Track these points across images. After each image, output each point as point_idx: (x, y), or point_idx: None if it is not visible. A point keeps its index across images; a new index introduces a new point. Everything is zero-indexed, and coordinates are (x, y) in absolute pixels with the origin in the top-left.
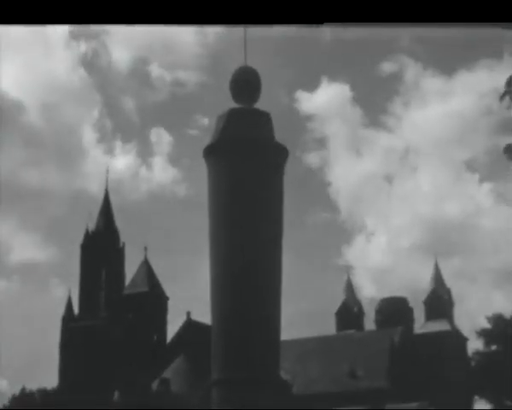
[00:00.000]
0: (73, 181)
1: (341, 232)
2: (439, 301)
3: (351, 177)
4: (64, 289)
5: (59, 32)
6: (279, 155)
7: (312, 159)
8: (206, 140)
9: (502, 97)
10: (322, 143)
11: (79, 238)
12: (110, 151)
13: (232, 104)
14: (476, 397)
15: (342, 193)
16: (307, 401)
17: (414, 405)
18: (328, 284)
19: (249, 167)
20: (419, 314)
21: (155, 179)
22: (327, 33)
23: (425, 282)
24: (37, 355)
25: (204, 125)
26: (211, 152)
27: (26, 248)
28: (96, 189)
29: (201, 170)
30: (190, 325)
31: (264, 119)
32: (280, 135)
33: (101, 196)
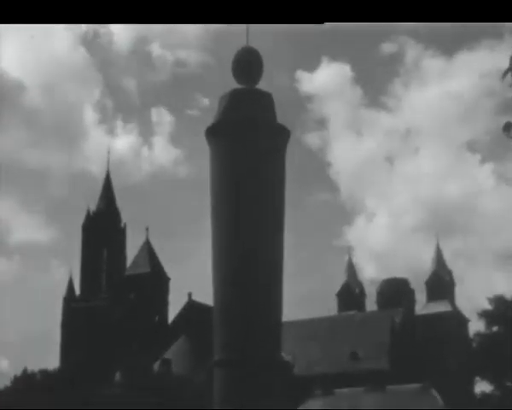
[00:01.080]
0: (74, 161)
1: (342, 213)
2: (441, 283)
3: (351, 157)
4: (65, 270)
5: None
6: (281, 135)
7: (312, 139)
8: (207, 121)
9: (504, 74)
10: (322, 123)
11: (80, 219)
12: (111, 131)
13: (234, 85)
14: (477, 378)
15: (343, 174)
16: (308, 382)
17: (415, 386)
18: (328, 265)
19: (252, 148)
20: (420, 295)
21: (156, 160)
22: None
23: (426, 263)
24: (38, 336)
25: (205, 106)
26: (213, 132)
27: (27, 229)
28: (97, 169)
29: (203, 150)
30: (192, 306)
31: (266, 99)
32: (280, 115)
33: (102, 177)
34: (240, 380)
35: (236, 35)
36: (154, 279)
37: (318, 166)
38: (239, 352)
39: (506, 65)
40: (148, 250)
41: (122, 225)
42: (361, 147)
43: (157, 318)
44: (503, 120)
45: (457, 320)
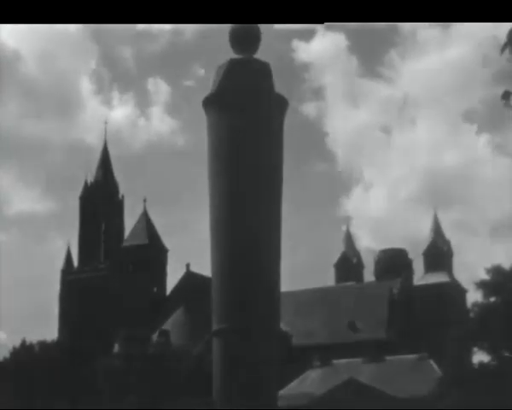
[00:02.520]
0: (71, 132)
1: (339, 183)
2: (439, 253)
3: (348, 128)
4: (63, 241)
5: None
6: (280, 105)
7: (309, 109)
8: (204, 91)
9: (503, 49)
10: (318, 93)
11: (78, 190)
12: (108, 102)
13: (231, 55)
14: (475, 349)
15: (340, 144)
16: (306, 353)
17: (412, 356)
18: (326, 236)
19: (250, 118)
20: (418, 266)
21: (154, 130)
22: None
23: (424, 233)
24: (36, 308)
25: (201, 76)
26: (210, 102)
27: (25, 200)
28: (94, 140)
29: (200, 121)
30: (190, 277)
31: (264, 69)
32: (277, 85)
33: (99, 148)
34: (238, 350)
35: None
36: (152, 250)
37: (315, 136)
38: (237, 322)
39: (503, 33)
40: (145, 221)
41: (120, 196)
42: (358, 117)
43: (155, 289)
44: (500, 89)
45: (455, 291)
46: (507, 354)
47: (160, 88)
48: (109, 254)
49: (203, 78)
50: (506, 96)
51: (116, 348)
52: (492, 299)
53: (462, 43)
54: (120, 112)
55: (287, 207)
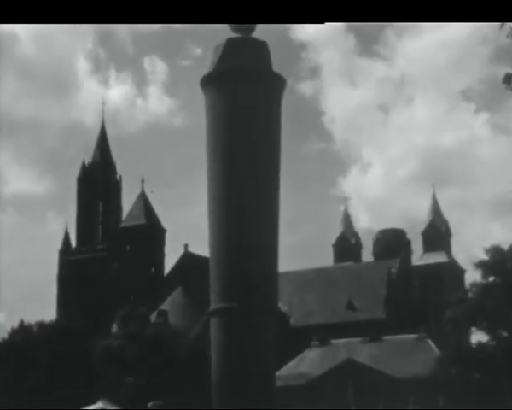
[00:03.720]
0: (68, 112)
1: (336, 163)
2: (437, 233)
3: (345, 106)
4: (60, 222)
5: None
6: (278, 85)
7: (306, 88)
8: (201, 70)
9: (502, 24)
10: (315, 72)
11: (75, 171)
12: (105, 82)
13: (228, 34)
14: (473, 329)
15: (337, 123)
16: (305, 333)
17: (411, 336)
18: (324, 215)
19: (248, 97)
20: (417, 246)
21: (151, 110)
22: None
23: (422, 213)
24: (34, 288)
25: (198, 56)
26: (209, 82)
27: (22, 181)
28: (91, 120)
29: (198, 100)
30: (188, 258)
31: (261, 48)
32: (274, 64)
33: (96, 128)
34: (236, 329)
35: None
36: (150, 231)
37: (312, 115)
38: (235, 301)
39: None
40: (143, 202)
41: (118, 177)
42: (355, 96)
43: (153, 269)
44: (498, 68)
45: (454, 271)
46: (505, 334)
47: (156, 67)
48: (107, 234)
49: (200, 57)
50: (508, 79)
51: (114, 328)
52: (491, 279)
53: None
54: (117, 92)
55: (283, 187)
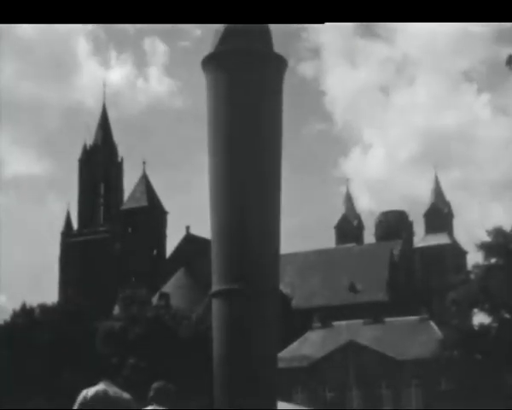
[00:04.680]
0: (69, 94)
1: (337, 144)
2: (439, 215)
3: (346, 87)
4: (61, 204)
5: None
6: (279, 65)
7: (307, 69)
8: (201, 51)
9: None
10: (316, 52)
11: (76, 152)
12: (105, 63)
13: None
14: (475, 310)
15: (338, 104)
16: (307, 315)
17: (413, 318)
18: (325, 197)
19: (249, 78)
20: (419, 227)
21: (152, 91)
22: None
23: (424, 194)
24: (36, 271)
25: (197, 37)
26: (210, 62)
27: (22, 162)
28: (91, 101)
29: (199, 81)
30: (190, 240)
31: (262, 29)
32: (275, 45)
33: (97, 109)
34: (238, 311)
35: None
36: (152, 213)
37: (313, 96)
38: (237, 283)
39: None
40: (145, 184)
41: (119, 158)
42: (356, 77)
43: (155, 251)
44: (501, 49)
45: (456, 252)
46: (507, 316)
47: (157, 48)
48: (109, 216)
49: (200, 38)
50: (511, 60)
51: (116, 310)
52: (493, 260)
53: None
54: (118, 73)
55: (284, 168)
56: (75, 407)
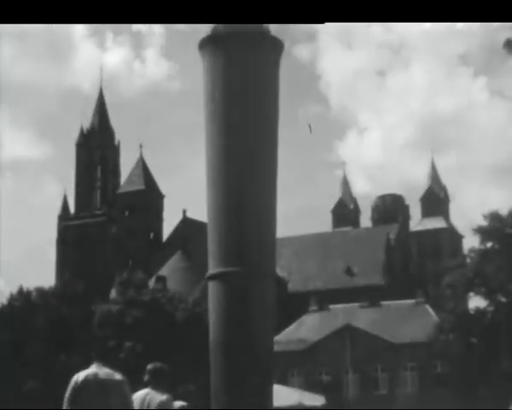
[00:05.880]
0: (65, 77)
1: (333, 127)
2: (436, 199)
3: (342, 71)
4: (58, 187)
5: None
6: (275, 48)
7: (302, 51)
8: (197, 34)
9: None
10: (311, 35)
11: (72, 135)
12: (101, 45)
13: None
14: (471, 294)
15: (333, 87)
16: (303, 298)
17: (409, 302)
18: (321, 180)
19: (245, 61)
20: (415, 211)
21: (149, 74)
22: None
23: (420, 179)
24: (33, 254)
25: None
26: (207, 44)
27: (19, 145)
28: (88, 84)
29: (196, 64)
30: (186, 223)
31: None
32: (270, 27)
33: (93, 91)
34: (234, 293)
35: None
36: (149, 196)
37: (308, 79)
38: (233, 266)
39: None
40: (142, 167)
41: (116, 142)
42: (352, 60)
43: (152, 235)
44: (497, 32)
45: (452, 236)
46: (503, 300)
47: (153, 30)
48: (106, 200)
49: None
50: (509, 44)
51: (113, 293)
52: (489, 245)
53: None
54: (115, 55)
55: (280, 151)
56: (68, 391)
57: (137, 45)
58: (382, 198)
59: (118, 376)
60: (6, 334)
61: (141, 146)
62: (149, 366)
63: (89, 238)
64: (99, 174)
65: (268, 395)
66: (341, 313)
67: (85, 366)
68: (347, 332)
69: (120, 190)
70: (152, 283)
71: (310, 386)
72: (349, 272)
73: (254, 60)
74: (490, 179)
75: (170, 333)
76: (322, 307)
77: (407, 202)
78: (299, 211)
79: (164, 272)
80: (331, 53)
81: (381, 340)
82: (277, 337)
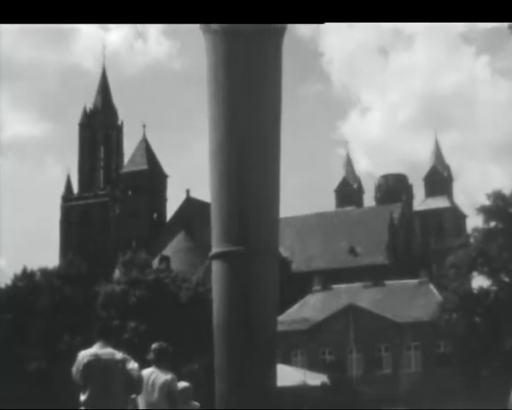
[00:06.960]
0: (67, 55)
1: (335, 106)
2: (439, 178)
3: (344, 49)
4: (60, 166)
5: None
6: (277, 27)
7: (304, 29)
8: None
9: None
10: None
11: (75, 115)
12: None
13: None
14: (474, 273)
15: (335, 65)
16: (306, 278)
17: (413, 281)
18: (323, 159)
19: (247, 40)
20: (418, 191)
21: (151, 53)
22: None
23: (422, 157)
24: (36, 234)
25: None
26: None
27: (21, 124)
28: (90, 63)
29: (198, 43)
30: (190, 203)
31: None
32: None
33: (95, 71)
34: (238, 273)
35: None
36: (152, 176)
37: (310, 57)
38: (236, 245)
39: None
40: (145, 147)
41: (119, 122)
42: (354, 38)
43: (155, 215)
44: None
45: (455, 216)
46: (506, 279)
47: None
48: (109, 180)
49: None
50: None
51: (116, 274)
52: (493, 224)
53: None
54: (116, 34)
55: (282, 130)
56: (73, 372)
57: (139, 24)
58: (385, 177)
59: (119, 354)
60: (10, 314)
61: (144, 126)
62: (154, 345)
63: (92, 218)
64: (102, 154)
65: (272, 375)
66: (345, 293)
67: (89, 345)
68: (351, 312)
69: (123, 170)
70: (155, 263)
71: (313, 366)
72: (352, 251)
73: (257, 38)
74: (493, 158)
75: (173, 313)
76: (326, 286)
77: (410, 181)
78: (302, 190)
79: (167, 252)
80: (333, 31)
81: (384, 319)
82: (281, 317)
